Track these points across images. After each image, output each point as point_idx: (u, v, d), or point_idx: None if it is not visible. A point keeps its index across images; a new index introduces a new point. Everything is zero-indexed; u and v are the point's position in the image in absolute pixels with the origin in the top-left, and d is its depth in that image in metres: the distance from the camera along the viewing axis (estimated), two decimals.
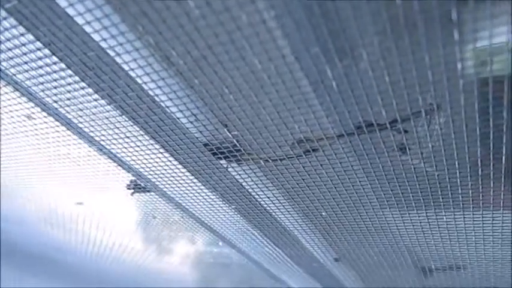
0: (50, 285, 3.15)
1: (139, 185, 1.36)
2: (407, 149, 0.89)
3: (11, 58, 0.84)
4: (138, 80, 0.80)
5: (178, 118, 0.89)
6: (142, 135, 0.96)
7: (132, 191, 1.43)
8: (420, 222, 1.11)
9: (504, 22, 0.56)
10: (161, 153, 1.00)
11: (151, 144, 0.98)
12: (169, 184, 1.15)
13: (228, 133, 0.89)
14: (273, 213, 1.21)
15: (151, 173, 1.13)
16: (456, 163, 0.89)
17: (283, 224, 1.25)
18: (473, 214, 1.06)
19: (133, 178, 1.32)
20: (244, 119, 0.85)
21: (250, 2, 0.57)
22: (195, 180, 1.09)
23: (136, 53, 0.74)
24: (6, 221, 2.21)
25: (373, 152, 0.91)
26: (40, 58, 0.81)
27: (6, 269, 2.97)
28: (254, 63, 0.68)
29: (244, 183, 1.11)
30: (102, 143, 1.05)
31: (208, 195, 1.16)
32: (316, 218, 1.17)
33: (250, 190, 1.14)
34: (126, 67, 0.78)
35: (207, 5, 0.59)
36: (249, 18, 0.59)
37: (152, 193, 1.30)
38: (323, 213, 1.16)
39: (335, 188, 1.05)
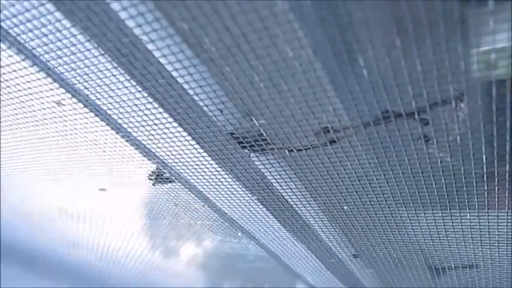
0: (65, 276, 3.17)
1: (161, 175, 1.38)
2: (433, 140, 0.89)
3: (46, 44, 0.86)
4: (169, 68, 0.82)
5: (205, 106, 0.91)
6: (169, 122, 0.97)
7: (154, 181, 1.45)
8: (435, 222, 1.12)
9: None
10: (187, 140, 1.02)
11: (178, 131, 1.00)
12: (192, 172, 1.17)
13: (256, 121, 0.90)
14: (294, 206, 1.22)
15: (176, 160, 1.15)
16: (472, 162, 0.89)
17: (303, 216, 1.26)
18: (488, 215, 1.05)
19: (156, 169, 1.34)
20: (272, 107, 0.85)
21: None
22: (218, 169, 1.10)
23: (168, 40, 0.75)
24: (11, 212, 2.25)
25: (399, 143, 0.91)
26: (74, 44, 0.83)
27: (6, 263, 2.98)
28: (286, 51, 0.69)
29: (267, 174, 1.12)
30: (129, 130, 1.07)
31: (231, 185, 1.17)
32: (337, 213, 1.18)
33: (272, 181, 1.15)
34: (157, 54, 0.79)
35: None
36: (283, 5, 0.60)
37: (173, 183, 1.32)
38: (345, 207, 1.16)
39: (357, 181, 1.05)
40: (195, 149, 1.03)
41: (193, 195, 1.34)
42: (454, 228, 1.17)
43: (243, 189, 1.17)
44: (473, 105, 0.76)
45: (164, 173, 1.32)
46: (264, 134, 0.97)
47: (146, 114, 0.97)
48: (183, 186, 1.31)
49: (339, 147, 0.93)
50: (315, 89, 0.79)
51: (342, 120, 0.85)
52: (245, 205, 1.27)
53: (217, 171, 1.11)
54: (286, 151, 1.01)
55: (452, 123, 0.82)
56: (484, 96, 0.73)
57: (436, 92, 0.74)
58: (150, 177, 1.46)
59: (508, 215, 1.04)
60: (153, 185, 1.49)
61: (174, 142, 1.04)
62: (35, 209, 2.15)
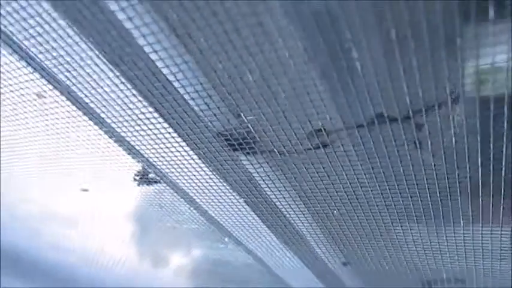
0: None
1: (146, 176, 1.33)
2: (428, 144, 0.86)
3: (26, 29, 0.81)
4: (159, 64, 0.78)
5: (195, 104, 0.86)
6: (155, 118, 0.93)
7: (138, 182, 1.40)
8: (429, 235, 1.08)
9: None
10: (174, 138, 0.97)
11: (164, 128, 0.95)
12: (178, 172, 1.12)
13: (246, 120, 0.86)
14: (283, 210, 1.17)
15: (162, 159, 1.10)
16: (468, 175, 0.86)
17: (292, 222, 1.21)
18: (482, 229, 1.02)
19: (141, 169, 1.29)
20: (264, 106, 0.82)
21: None
22: (205, 169, 1.05)
23: (158, 35, 0.71)
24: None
25: (393, 148, 0.87)
26: (55, 30, 0.78)
27: None
28: (280, 48, 0.65)
29: (256, 176, 1.07)
30: (113, 125, 1.02)
31: (218, 186, 1.13)
32: (327, 218, 1.13)
33: (261, 183, 1.10)
34: (146, 49, 0.75)
35: None
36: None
37: (159, 184, 1.27)
38: (334, 212, 1.12)
39: (350, 187, 1.01)
40: (182, 147, 0.98)
41: (179, 197, 1.29)
42: (447, 242, 1.13)
43: (231, 191, 1.13)
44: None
45: (149, 172, 1.27)
46: (254, 135, 0.93)
47: (131, 109, 0.92)
48: (168, 188, 1.26)
49: (332, 151, 0.89)
50: (308, 89, 0.75)
51: (336, 122, 0.81)
52: (232, 208, 1.22)
53: (203, 171, 1.06)
54: (277, 153, 0.97)
55: (448, 127, 0.79)
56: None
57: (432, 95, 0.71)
58: (135, 177, 1.41)
59: (501, 230, 1.01)
60: (138, 185, 1.44)
61: (160, 140, 1.00)
62: (13, 208, 2.08)
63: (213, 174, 1.06)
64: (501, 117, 0.69)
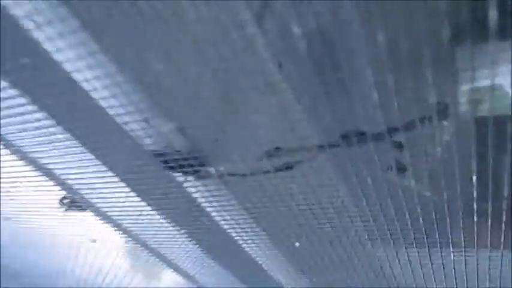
0: None
1: (74, 201, 1.12)
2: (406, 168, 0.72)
3: None
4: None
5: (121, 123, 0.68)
6: (70, 140, 0.73)
7: (66, 207, 1.19)
8: (410, 261, 0.94)
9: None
10: (95, 164, 0.77)
11: (84, 153, 0.75)
12: (107, 202, 0.92)
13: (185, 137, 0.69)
14: (237, 241, 0.99)
15: (85, 187, 0.90)
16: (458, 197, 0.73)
17: (248, 253, 1.03)
18: (477, 254, 0.88)
19: (66, 193, 1.08)
20: (210, 122, 0.65)
21: None
22: (138, 198, 0.86)
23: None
24: None
25: (363, 171, 0.73)
26: None
27: None
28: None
29: (203, 203, 0.89)
30: (28, 150, 0.81)
31: (151, 215, 0.93)
32: (289, 249, 0.97)
33: (210, 211, 0.92)
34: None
35: None
36: None
37: (88, 211, 1.06)
38: (296, 244, 0.96)
39: (314, 212, 0.85)
40: (104, 172, 0.78)
41: (112, 228, 1.08)
42: (436, 268, 0.98)
43: (169, 221, 0.94)
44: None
45: (75, 199, 1.06)
46: (201, 154, 0.75)
47: (46, 135, 0.72)
48: (99, 217, 1.05)
49: (298, 172, 0.74)
50: (270, 98, 0.60)
51: (302, 140, 0.66)
52: (175, 240, 1.02)
53: (134, 199, 0.87)
54: (227, 176, 0.80)
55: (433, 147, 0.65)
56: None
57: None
58: (61, 202, 1.19)
59: (496, 255, 0.88)
60: (66, 210, 1.22)
61: (81, 165, 0.80)
62: None
63: (146, 203, 0.86)
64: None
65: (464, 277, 0.93)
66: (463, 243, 0.81)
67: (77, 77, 0.61)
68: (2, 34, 0.56)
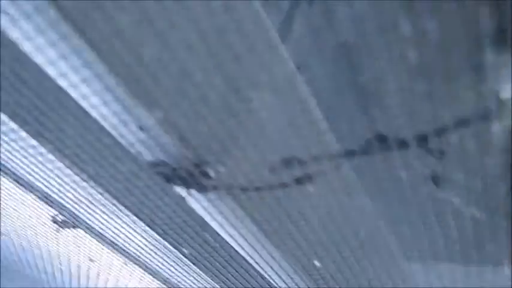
0: None
1: (67, 220, 1.01)
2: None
3: None
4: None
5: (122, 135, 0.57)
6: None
7: (57, 226, 1.08)
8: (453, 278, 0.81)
9: None
10: (84, 180, 0.67)
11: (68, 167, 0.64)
12: (100, 221, 0.81)
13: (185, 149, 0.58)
14: (250, 262, 0.88)
15: (76, 205, 0.79)
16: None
17: (264, 276, 0.91)
18: None
19: (57, 214, 0.98)
20: (214, 130, 0.55)
21: None
22: (134, 217, 0.75)
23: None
24: None
25: (391, 182, 0.62)
26: None
27: None
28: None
29: (209, 220, 0.78)
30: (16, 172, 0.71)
31: (151, 237, 0.82)
32: (310, 270, 0.85)
33: (215, 229, 0.81)
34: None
35: None
36: None
37: (81, 230, 0.96)
38: (316, 263, 0.85)
39: (336, 230, 0.74)
40: (95, 189, 0.67)
41: (109, 249, 0.97)
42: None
43: (171, 242, 0.82)
44: None
45: (67, 219, 0.96)
46: (206, 165, 0.65)
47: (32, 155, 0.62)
48: (93, 237, 0.94)
49: (317, 185, 0.62)
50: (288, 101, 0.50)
51: (321, 149, 0.55)
52: (176, 261, 0.91)
53: (130, 218, 0.75)
54: (239, 190, 0.70)
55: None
56: None
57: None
58: (54, 220, 1.09)
59: None
60: (58, 231, 1.12)
61: (66, 182, 0.69)
62: None
63: (144, 222, 0.75)
64: None
65: None
66: None
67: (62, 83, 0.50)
68: None
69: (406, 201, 0.65)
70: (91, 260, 1.17)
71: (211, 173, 0.67)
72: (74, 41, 0.46)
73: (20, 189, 0.88)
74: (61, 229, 1.07)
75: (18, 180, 0.83)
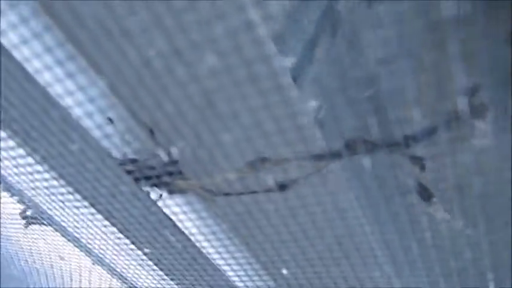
0: None
1: (33, 217, 0.99)
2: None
3: None
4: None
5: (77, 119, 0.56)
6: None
7: (25, 221, 1.06)
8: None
9: None
10: (51, 175, 0.65)
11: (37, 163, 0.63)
12: (67, 219, 0.79)
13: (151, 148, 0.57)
14: (219, 266, 0.86)
15: (43, 201, 0.77)
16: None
17: (231, 281, 0.90)
18: None
19: (24, 209, 0.95)
20: (192, 124, 0.54)
21: None
22: (98, 216, 0.73)
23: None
24: None
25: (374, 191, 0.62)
26: None
27: None
28: None
29: (178, 222, 0.77)
30: None
31: (118, 235, 0.80)
32: (280, 277, 0.84)
33: (186, 232, 0.80)
34: None
35: None
36: None
37: (49, 227, 0.94)
38: (283, 271, 0.84)
39: (313, 235, 0.73)
40: (62, 186, 0.66)
41: (77, 248, 0.95)
42: None
43: (138, 242, 0.80)
44: None
45: (34, 214, 0.94)
46: (178, 165, 0.64)
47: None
48: (59, 234, 0.92)
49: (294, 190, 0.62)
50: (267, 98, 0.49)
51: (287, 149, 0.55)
52: (142, 263, 0.89)
53: (95, 218, 0.74)
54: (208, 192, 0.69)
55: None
56: None
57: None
58: (22, 215, 1.07)
59: None
60: (26, 227, 1.10)
61: (37, 178, 0.67)
62: None
63: (110, 223, 0.74)
64: None
65: None
66: None
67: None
68: None
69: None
70: (62, 258, 1.15)
71: (185, 175, 0.67)
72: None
73: None
74: (29, 225, 1.05)
75: None
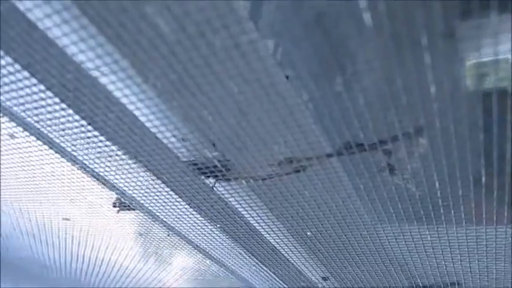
0: None
1: (125, 203, 1.35)
2: (394, 169, 0.89)
3: None
4: (120, 101, 0.80)
5: (161, 138, 0.89)
6: (124, 154, 0.95)
7: (118, 209, 1.42)
8: (413, 238, 1.10)
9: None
10: (144, 172, 0.99)
11: (134, 163, 0.97)
12: (153, 203, 1.14)
13: (209, 154, 0.89)
14: (260, 232, 1.20)
15: (135, 191, 1.12)
16: (447, 180, 0.88)
17: (270, 242, 1.24)
18: (466, 230, 1.05)
19: (118, 196, 1.31)
20: (229, 138, 0.84)
21: (223, 27, 0.57)
22: (179, 199, 1.08)
23: (119, 74, 0.74)
24: None
25: (363, 171, 0.90)
26: (20, 80, 0.80)
27: None
28: (230, 86, 0.68)
29: (231, 202, 1.10)
30: (84, 162, 1.04)
31: (193, 214, 1.15)
32: (303, 237, 1.16)
33: (237, 209, 1.13)
34: (107, 88, 0.77)
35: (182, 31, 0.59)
36: (223, 42, 0.59)
37: (137, 211, 1.29)
38: (308, 233, 1.15)
39: (324, 205, 1.04)
40: (153, 180, 1.00)
41: (157, 225, 1.31)
42: (434, 243, 1.15)
43: (206, 218, 1.15)
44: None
45: (125, 202, 1.29)
46: (225, 163, 0.95)
47: (100, 147, 0.95)
48: (146, 216, 1.28)
49: (304, 175, 0.92)
50: (274, 119, 0.77)
51: (305, 151, 0.84)
52: (210, 234, 1.25)
53: (177, 201, 1.09)
54: (250, 180, 1.00)
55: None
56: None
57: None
58: (114, 204, 1.43)
59: (495, 230, 1.03)
60: (118, 212, 1.46)
61: (131, 173, 1.02)
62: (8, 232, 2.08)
63: (186, 203, 1.08)
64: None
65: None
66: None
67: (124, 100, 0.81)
68: None
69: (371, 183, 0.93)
70: (140, 234, 1.51)
71: (231, 169, 0.98)
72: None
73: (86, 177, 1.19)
74: (121, 211, 1.41)
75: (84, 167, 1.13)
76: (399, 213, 1.02)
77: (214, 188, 1.05)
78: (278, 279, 1.51)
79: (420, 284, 1.47)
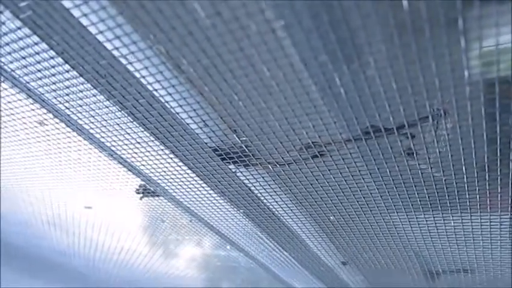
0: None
1: (149, 189, 1.37)
2: (414, 153, 0.90)
3: (25, 66, 0.86)
4: (149, 87, 0.82)
5: (188, 124, 0.91)
6: (152, 140, 0.97)
7: (141, 195, 1.45)
8: (428, 226, 1.12)
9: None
10: (170, 158, 1.02)
11: (161, 149, 1.00)
12: (178, 188, 1.17)
13: (237, 138, 0.91)
14: (281, 217, 1.22)
15: (161, 177, 1.15)
16: (463, 168, 0.90)
17: (291, 228, 1.27)
18: (480, 217, 1.06)
19: (143, 183, 1.34)
20: (253, 124, 0.86)
21: (259, 11, 0.58)
22: (204, 185, 1.10)
23: (148, 61, 0.76)
24: (8, 222, 2.24)
25: (381, 156, 0.92)
26: (53, 66, 0.83)
27: (7, 270, 2.98)
28: (263, 70, 0.69)
29: (252, 188, 1.12)
30: (112, 148, 1.07)
31: (216, 200, 1.18)
32: (324, 222, 1.18)
33: (258, 194, 1.15)
34: (137, 75, 0.79)
35: (217, 15, 0.60)
36: (258, 27, 0.61)
37: (160, 198, 1.32)
38: (331, 218, 1.17)
39: (343, 192, 1.06)
40: (179, 166, 1.03)
41: (180, 210, 1.34)
42: (448, 231, 1.17)
43: (229, 203, 1.18)
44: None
45: (150, 189, 1.32)
46: (247, 150, 0.97)
47: (128, 133, 0.97)
48: (169, 201, 1.31)
49: (322, 161, 0.94)
50: (293, 106, 0.79)
51: (323, 137, 0.86)
52: (232, 219, 1.27)
53: (202, 187, 1.11)
54: (270, 166, 1.02)
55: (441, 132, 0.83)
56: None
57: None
58: (137, 191, 1.46)
59: (501, 217, 1.04)
60: (141, 199, 1.49)
61: (158, 159, 1.04)
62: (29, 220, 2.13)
63: (211, 189, 1.11)
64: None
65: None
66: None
67: (161, 92, 0.83)
68: None
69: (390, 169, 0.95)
70: (163, 220, 1.54)
71: (253, 155, 1.00)
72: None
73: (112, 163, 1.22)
74: (144, 197, 1.45)
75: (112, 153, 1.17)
76: (415, 201, 1.04)
77: (237, 174, 1.08)
78: (298, 264, 1.54)
79: (433, 270, 1.49)
